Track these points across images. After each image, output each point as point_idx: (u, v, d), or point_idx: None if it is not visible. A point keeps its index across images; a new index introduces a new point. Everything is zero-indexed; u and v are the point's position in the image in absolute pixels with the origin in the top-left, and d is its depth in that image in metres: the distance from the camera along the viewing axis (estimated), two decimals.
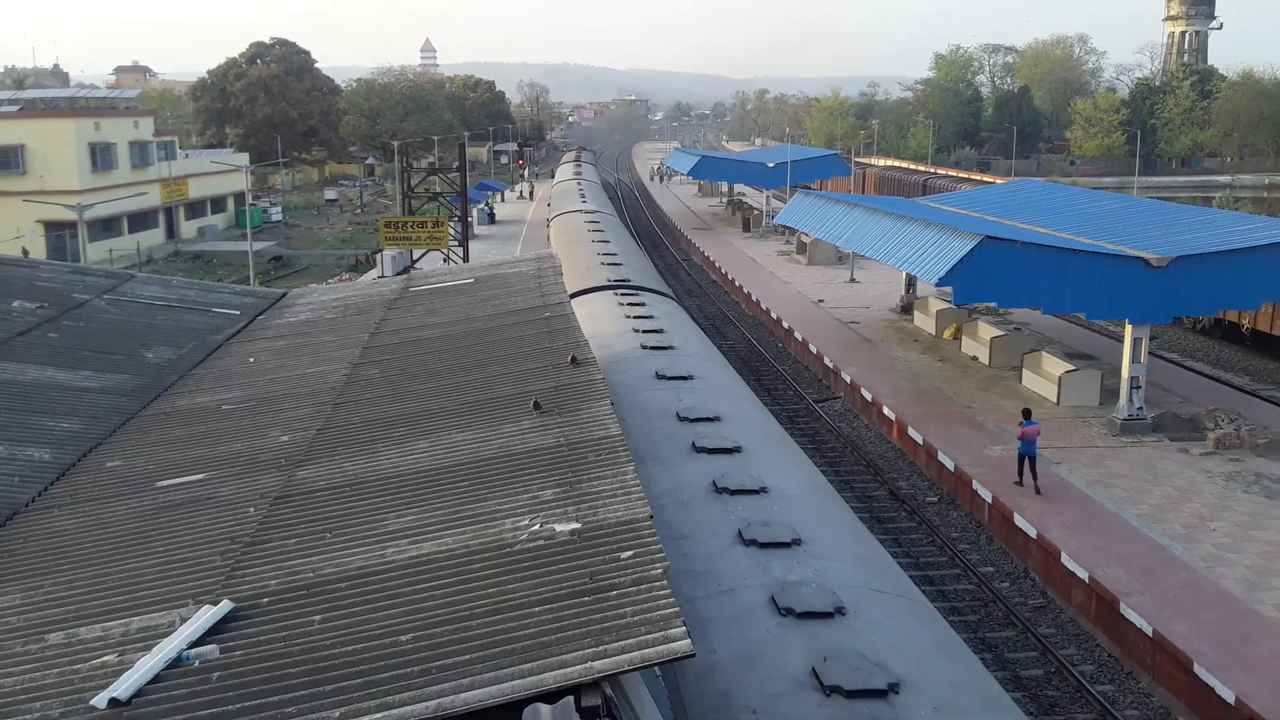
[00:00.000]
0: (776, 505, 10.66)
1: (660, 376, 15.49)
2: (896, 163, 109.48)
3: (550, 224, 49.86)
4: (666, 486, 11.03)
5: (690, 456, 11.89)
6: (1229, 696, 14.59)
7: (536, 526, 7.47)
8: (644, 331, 18.93)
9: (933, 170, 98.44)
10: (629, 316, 20.44)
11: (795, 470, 12.56)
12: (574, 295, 20.32)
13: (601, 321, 20.32)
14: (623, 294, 23.53)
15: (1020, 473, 22.33)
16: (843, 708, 7.02)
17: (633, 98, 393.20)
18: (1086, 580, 18.21)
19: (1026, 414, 22.73)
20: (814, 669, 7.40)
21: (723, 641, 7.91)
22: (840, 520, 11.14)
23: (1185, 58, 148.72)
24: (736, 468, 11.54)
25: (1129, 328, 25.88)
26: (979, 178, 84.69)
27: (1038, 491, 21.76)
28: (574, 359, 10.56)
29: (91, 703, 5.72)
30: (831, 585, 8.79)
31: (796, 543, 9.54)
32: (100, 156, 69.46)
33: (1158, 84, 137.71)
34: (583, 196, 55.96)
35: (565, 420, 9.88)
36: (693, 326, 22.82)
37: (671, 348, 17.67)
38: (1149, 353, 26.81)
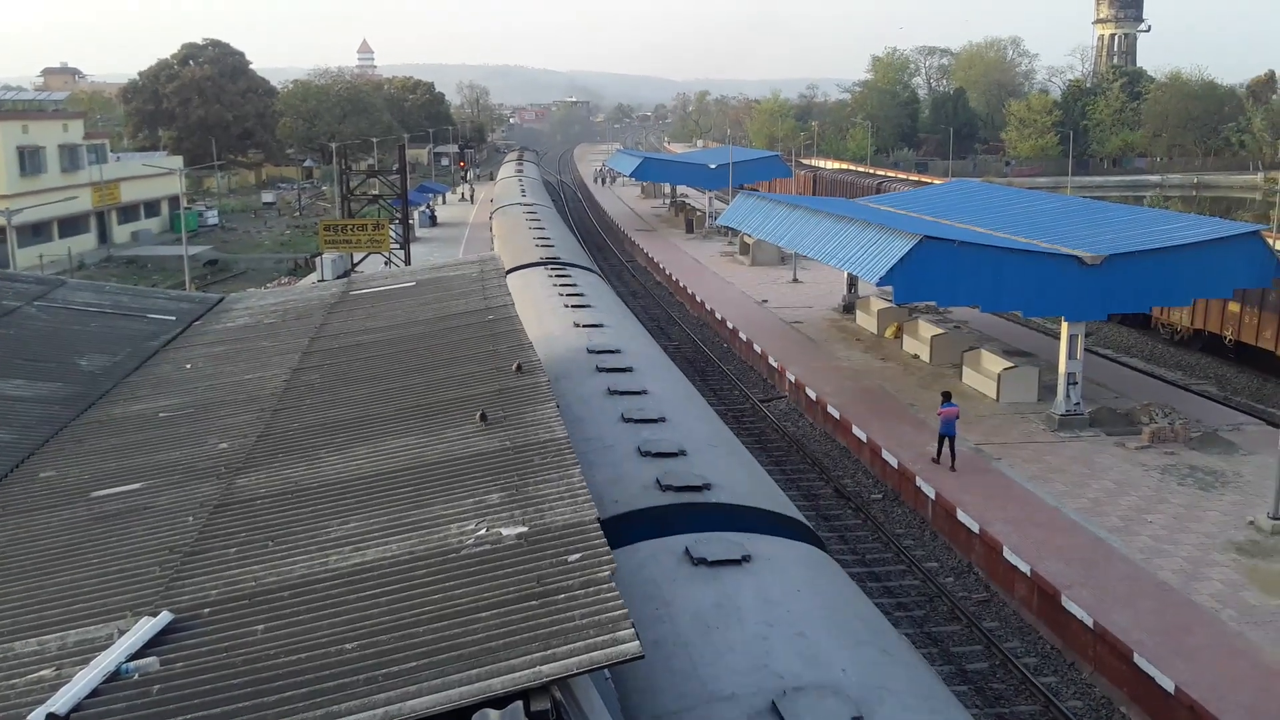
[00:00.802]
0: (650, 397, 14.25)
1: (577, 325, 19.37)
2: (845, 165, 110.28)
3: (493, 216, 54.03)
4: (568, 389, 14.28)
5: (592, 375, 15.26)
6: (1169, 685, 14.89)
7: (483, 531, 7.40)
8: (568, 295, 23.09)
9: (872, 171, 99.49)
10: (556, 288, 24.35)
11: (669, 377, 16.86)
12: (510, 271, 24.21)
13: (534, 291, 24.26)
14: (553, 269, 27.85)
15: (939, 451, 23.60)
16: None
17: (574, 99, 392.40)
18: (1028, 574, 18.49)
19: (946, 396, 24.22)
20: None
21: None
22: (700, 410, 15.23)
23: (1115, 60, 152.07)
24: (618, 363, 15.93)
25: (1065, 325, 26.35)
26: (918, 178, 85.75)
27: (953, 468, 23.09)
28: (519, 366, 10.47)
29: (29, 718, 5.56)
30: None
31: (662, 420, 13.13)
32: (28, 160, 67.92)
33: (1089, 85, 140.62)
34: (523, 192, 59.92)
35: (510, 423, 9.81)
36: (611, 294, 27.35)
37: (591, 306, 22.06)
38: (1085, 349, 27.31)
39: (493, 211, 56.76)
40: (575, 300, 22.60)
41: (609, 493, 10.71)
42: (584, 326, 19.35)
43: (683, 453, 11.91)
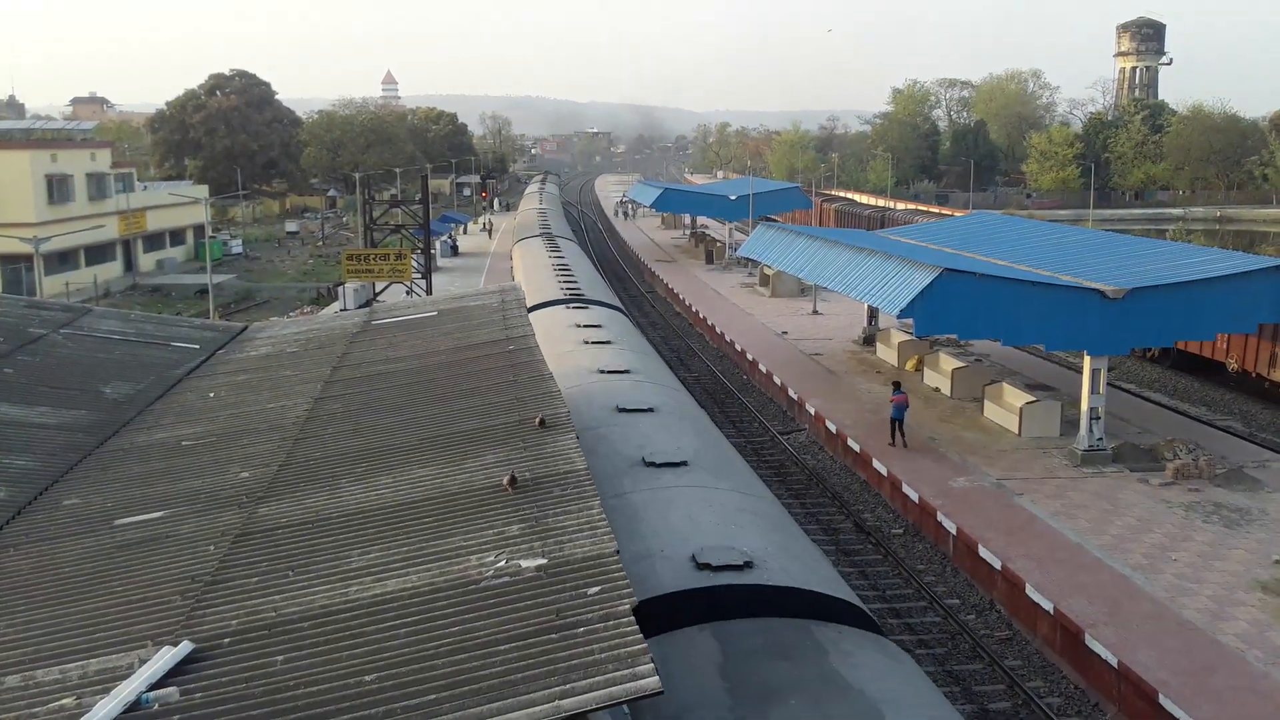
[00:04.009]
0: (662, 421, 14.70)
1: (602, 373, 18.30)
2: (868, 199, 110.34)
3: (514, 250, 54.41)
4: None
5: (638, 471, 12.96)
6: None
7: (502, 563, 7.40)
8: (585, 326, 23.43)
9: (892, 204, 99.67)
10: (578, 325, 24.12)
11: (673, 393, 17.42)
12: (532, 309, 23.63)
13: (555, 332, 23.43)
14: (575, 307, 27.72)
15: (892, 435, 27.05)
16: None
17: (595, 130, 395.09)
18: (1051, 612, 18.30)
19: (896, 386, 28.30)
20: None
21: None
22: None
23: (1136, 93, 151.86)
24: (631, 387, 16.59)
25: (1087, 359, 26.20)
26: (938, 211, 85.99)
27: (905, 445, 26.79)
28: (542, 421, 10.28)
29: None
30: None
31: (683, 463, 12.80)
32: (57, 189, 68.72)
33: (1110, 118, 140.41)
34: (545, 224, 61.90)
35: (530, 454, 9.82)
36: (634, 331, 26.89)
37: (611, 341, 21.31)
38: (1108, 383, 27.13)
39: (515, 243, 58.16)
40: (599, 341, 21.22)
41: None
42: (608, 373, 17.96)
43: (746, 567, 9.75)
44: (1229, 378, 36.19)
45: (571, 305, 27.48)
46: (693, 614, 8.59)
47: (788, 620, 8.52)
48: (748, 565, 9.49)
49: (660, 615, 8.49)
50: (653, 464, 12.64)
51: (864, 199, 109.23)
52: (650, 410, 14.09)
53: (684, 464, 12.53)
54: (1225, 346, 34.83)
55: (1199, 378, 37.41)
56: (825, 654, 8.02)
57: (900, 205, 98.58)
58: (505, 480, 8.43)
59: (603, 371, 18.06)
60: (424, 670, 6.01)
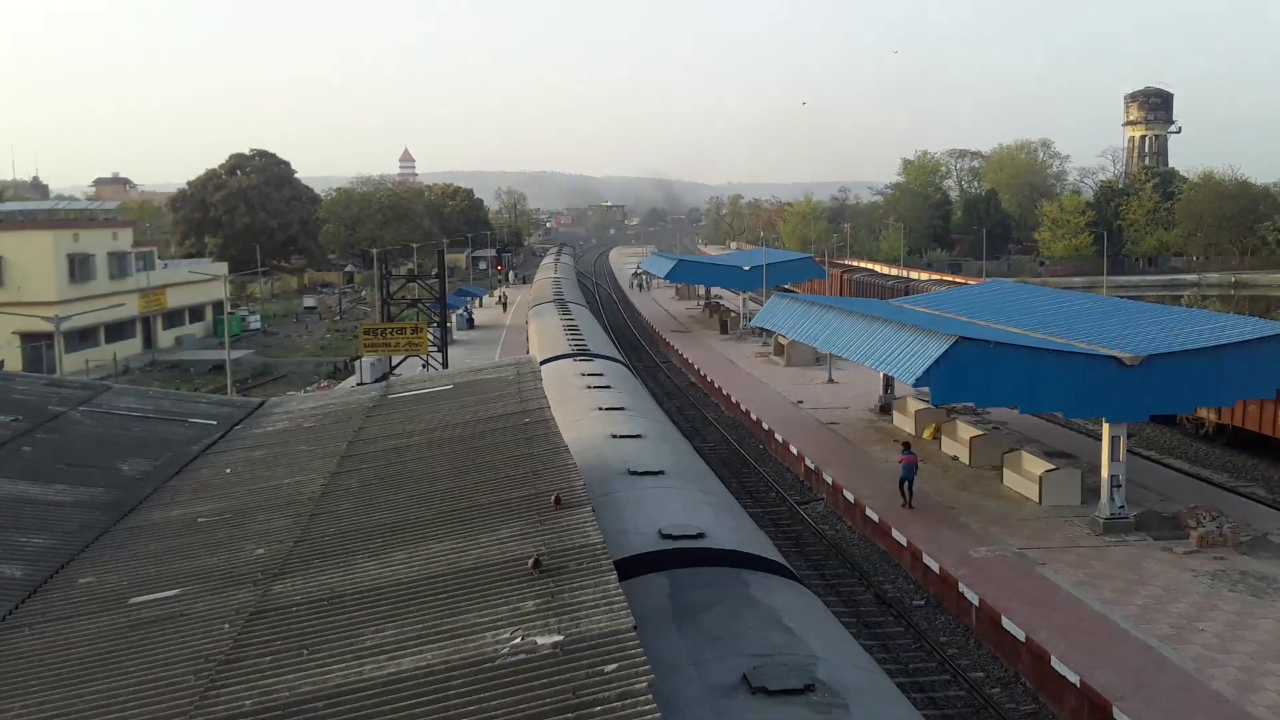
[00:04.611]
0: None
1: (598, 410, 20.71)
2: (887, 269, 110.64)
3: (531, 310, 58.89)
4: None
5: (623, 479, 14.91)
6: None
7: (518, 640, 7.32)
8: (589, 375, 26.34)
9: (914, 274, 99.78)
10: (583, 374, 26.78)
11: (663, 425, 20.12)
12: (543, 361, 28.01)
13: (561, 374, 27.17)
14: (580, 359, 30.92)
15: (903, 495, 27.59)
16: None
17: (609, 204, 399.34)
18: (1078, 685, 17.96)
19: (906, 446, 28.62)
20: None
21: None
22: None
23: (1146, 160, 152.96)
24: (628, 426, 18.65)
25: (1106, 426, 26.04)
26: (953, 279, 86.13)
27: (910, 506, 27.36)
28: (558, 500, 10.20)
29: None
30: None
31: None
32: (79, 268, 69.73)
33: (1121, 186, 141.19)
34: (559, 294, 64.94)
35: (546, 529, 9.77)
36: (632, 379, 29.91)
37: (610, 387, 24.24)
38: (1128, 450, 26.92)
39: (530, 307, 61.57)
40: (599, 386, 24.32)
41: None
42: (605, 409, 20.72)
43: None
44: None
45: (578, 358, 31.27)
46: (654, 566, 10.97)
47: (724, 569, 10.95)
48: (700, 535, 11.87)
49: (630, 569, 10.66)
50: (635, 473, 15.05)
51: (883, 269, 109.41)
52: (640, 436, 17.63)
53: (661, 473, 15.04)
54: None
55: (1243, 452, 36.51)
56: (747, 586, 10.50)
57: (923, 275, 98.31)
58: (530, 563, 8.35)
59: (600, 409, 21.02)
60: None
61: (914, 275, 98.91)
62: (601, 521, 10.72)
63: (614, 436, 17.64)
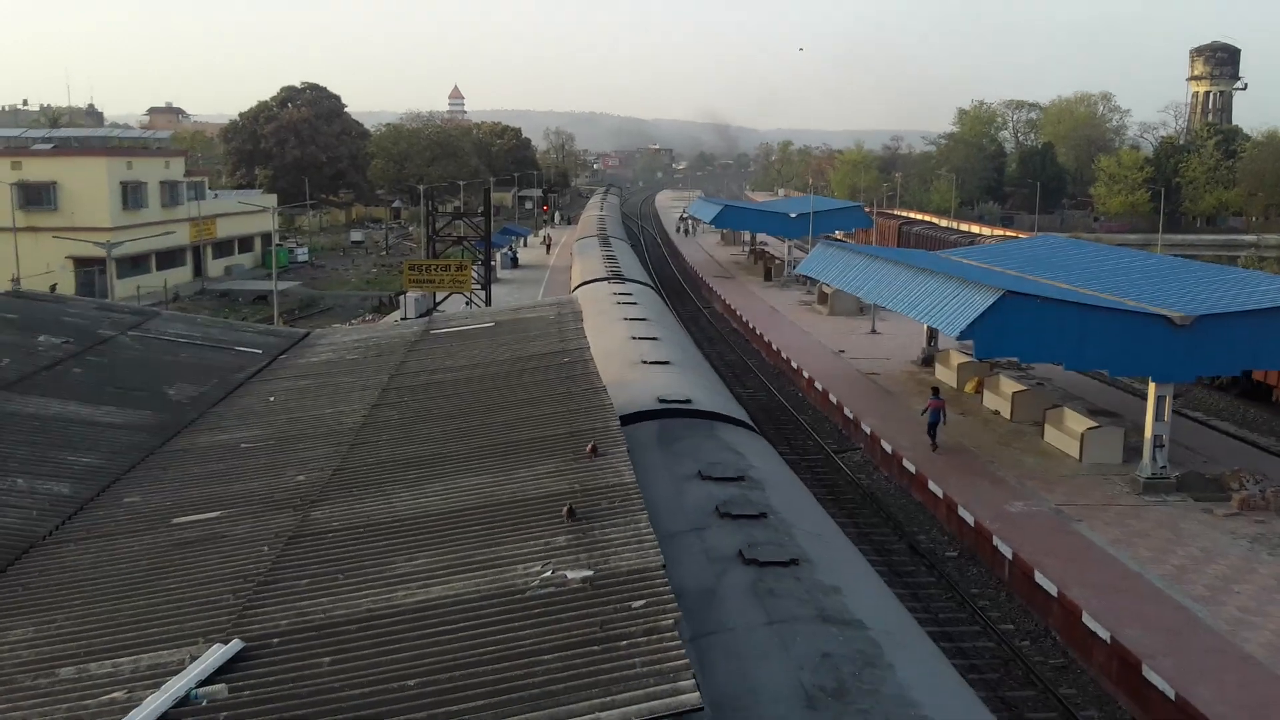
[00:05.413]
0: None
1: (623, 320, 25.07)
2: (949, 222, 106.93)
3: (575, 243, 64.34)
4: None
5: (637, 367, 18.69)
6: None
7: (548, 573, 7.43)
8: (620, 294, 30.85)
9: (969, 228, 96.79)
10: (615, 294, 31.68)
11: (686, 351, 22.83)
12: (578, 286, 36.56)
13: (597, 294, 32.05)
14: (614, 282, 35.72)
15: (931, 438, 28.58)
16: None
17: (658, 147, 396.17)
18: (1108, 641, 17.94)
19: (935, 391, 29.74)
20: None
21: None
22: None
23: (1210, 117, 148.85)
24: (651, 345, 21.23)
25: (1152, 386, 25.70)
26: (1017, 236, 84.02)
27: (935, 448, 28.39)
28: (594, 448, 10.22)
29: None
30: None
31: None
32: (131, 195, 70.50)
33: (1182, 143, 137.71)
34: (602, 218, 72.96)
35: (580, 466, 9.85)
36: (657, 299, 35.02)
37: (635, 304, 28.92)
38: (1173, 411, 26.57)
39: (576, 240, 66.14)
40: (626, 303, 28.50)
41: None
42: (629, 320, 24.92)
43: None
44: None
45: (612, 281, 36.28)
46: (651, 418, 14.36)
47: (700, 421, 14.48)
48: (687, 401, 15.28)
49: (634, 420, 14.02)
50: (647, 362, 18.85)
51: (943, 222, 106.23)
52: (655, 339, 21.72)
53: (668, 363, 18.93)
54: None
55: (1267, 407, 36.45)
56: (713, 430, 14.10)
57: (987, 231, 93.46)
58: (564, 511, 8.42)
59: (625, 319, 25.20)
60: (466, 677, 6.05)
61: (977, 230, 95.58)
62: (619, 394, 14.51)
63: (634, 338, 21.87)
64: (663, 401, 15.11)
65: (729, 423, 14.86)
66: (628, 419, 13.66)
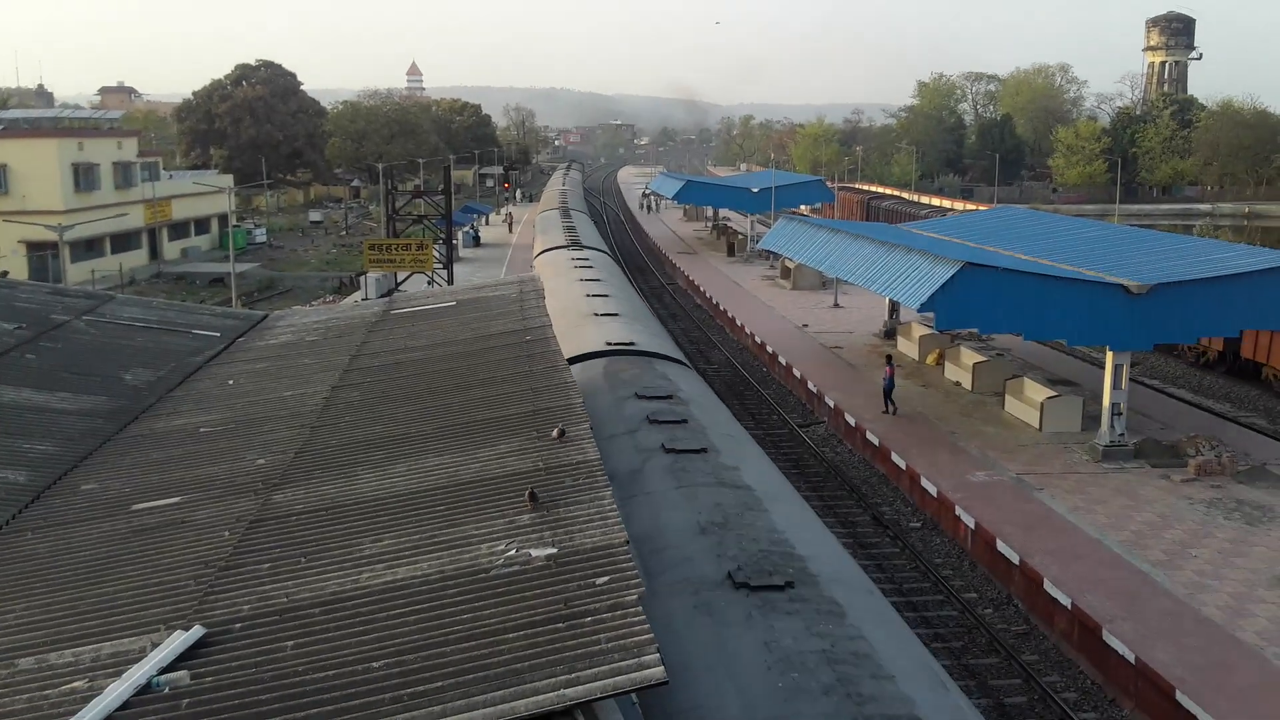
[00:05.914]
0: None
1: (579, 281, 28.23)
2: (913, 196, 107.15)
3: (538, 216, 66.80)
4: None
5: (590, 319, 21.42)
6: None
7: (512, 552, 7.42)
8: (578, 260, 34.23)
9: (941, 203, 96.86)
10: (573, 259, 35.23)
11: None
12: (539, 253, 41.92)
13: (557, 260, 36.12)
14: (573, 249, 39.46)
15: (886, 404, 29.61)
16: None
17: (619, 123, 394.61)
18: (1069, 607, 18.21)
19: (889, 358, 31.12)
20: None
21: None
22: None
23: (1165, 87, 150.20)
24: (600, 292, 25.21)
25: (1110, 354, 26.01)
26: (962, 205, 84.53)
27: (894, 413, 29.48)
28: (561, 431, 10.14)
29: None
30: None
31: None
32: (83, 177, 69.27)
33: (1138, 113, 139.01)
34: (564, 192, 76.48)
35: (543, 444, 9.84)
36: (612, 263, 39.36)
37: (591, 267, 32.16)
38: (1130, 379, 26.93)
39: (538, 214, 68.80)
40: (583, 266, 31.39)
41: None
42: (583, 281, 28.16)
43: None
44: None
45: (571, 249, 39.85)
46: (599, 357, 17.02)
47: (641, 359, 17.04)
48: (631, 344, 17.99)
49: (584, 359, 16.70)
50: (598, 314, 21.78)
51: (912, 196, 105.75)
52: (607, 296, 24.41)
53: (617, 315, 21.82)
54: None
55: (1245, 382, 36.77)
56: (651, 364, 16.74)
57: (958, 205, 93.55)
58: (526, 496, 8.40)
59: (581, 280, 28.03)
60: (432, 657, 6.04)
61: (947, 204, 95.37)
62: (573, 340, 17.80)
63: (588, 295, 24.51)
64: (610, 344, 18.02)
65: (666, 360, 17.67)
66: (581, 358, 16.77)
